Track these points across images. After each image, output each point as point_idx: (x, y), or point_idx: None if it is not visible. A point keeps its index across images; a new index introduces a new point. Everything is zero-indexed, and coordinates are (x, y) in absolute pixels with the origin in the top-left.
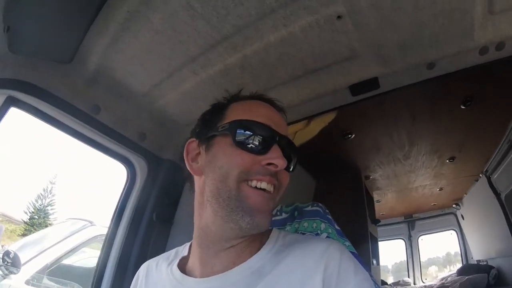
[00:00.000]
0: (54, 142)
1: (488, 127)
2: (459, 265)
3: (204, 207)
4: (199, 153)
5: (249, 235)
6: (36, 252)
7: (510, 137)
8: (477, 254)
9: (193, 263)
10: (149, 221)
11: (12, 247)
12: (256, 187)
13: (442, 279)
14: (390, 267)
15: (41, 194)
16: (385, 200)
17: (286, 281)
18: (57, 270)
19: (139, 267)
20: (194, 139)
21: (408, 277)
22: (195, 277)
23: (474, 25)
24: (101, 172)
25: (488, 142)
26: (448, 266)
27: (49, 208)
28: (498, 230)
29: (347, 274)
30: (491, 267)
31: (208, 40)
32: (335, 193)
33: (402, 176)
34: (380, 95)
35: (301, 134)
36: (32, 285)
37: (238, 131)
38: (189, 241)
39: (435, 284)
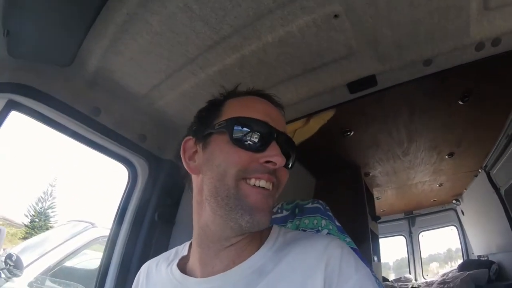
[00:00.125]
0: (55, 145)
1: (487, 122)
2: (460, 261)
3: (203, 206)
4: (196, 151)
5: (249, 233)
6: (37, 255)
7: (509, 132)
8: (477, 250)
9: (193, 263)
10: (151, 221)
11: (13, 250)
12: (254, 185)
13: (443, 275)
14: (391, 264)
15: (42, 197)
16: (385, 197)
17: (287, 280)
18: (58, 273)
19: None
20: (190, 137)
21: (409, 273)
22: (196, 277)
23: (470, 22)
24: (102, 174)
25: (486, 137)
26: (449, 262)
27: (49, 211)
28: (498, 225)
29: (348, 271)
30: (492, 262)
31: (207, 41)
32: (335, 191)
33: (402, 173)
34: (378, 92)
35: (301, 132)
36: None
37: (235, 128)
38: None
39: (436, 280)
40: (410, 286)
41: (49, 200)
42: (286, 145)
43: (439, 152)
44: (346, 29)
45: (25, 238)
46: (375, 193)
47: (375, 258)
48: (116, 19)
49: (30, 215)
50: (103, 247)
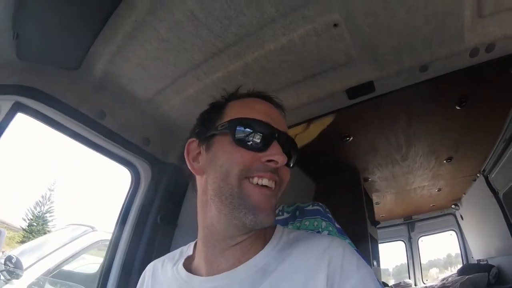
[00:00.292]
0: (56, 148)
1: (484, 127)
2: (460, 266)
3: (207, 206)
4: (199, 153)
5: (254, 231)
6: (35, 259)
7: (506, 136)
8: (477, 254)
9: (198, 262)
10: (154, 224)
11: (12, 253)
12: (257, 184)
13: (443, 279)
14: (391, 270)
15: (40, 201)
16: (384, 202)
17: (290, 280)
18: (56, 277)
19: (144, 269)
20: (194, 139)
21: (409, 278)
22: (201, 276)
23: (464, 28)
24: (105, 176)
25: (484, 141)
26: (449, 268)
27: (47, 215)
28: (497, 228)
29: (350, 269)
30: (491, 266)
31: (212, 48)
32: (334, 195)
33: (400, 178)
34: (376, 98)
35: (301, 137)
36: None
37: (237, 129)
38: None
39: (436, 285)
40: None
41: (48, 204)
42: (287, 145)
43: (437, 157)
44: (345, 37)
45: (22, 242)
46: (374, 198)
47: (375, 263)
48: (125, 26)
49: (28, 219)
50: (100, 252)
